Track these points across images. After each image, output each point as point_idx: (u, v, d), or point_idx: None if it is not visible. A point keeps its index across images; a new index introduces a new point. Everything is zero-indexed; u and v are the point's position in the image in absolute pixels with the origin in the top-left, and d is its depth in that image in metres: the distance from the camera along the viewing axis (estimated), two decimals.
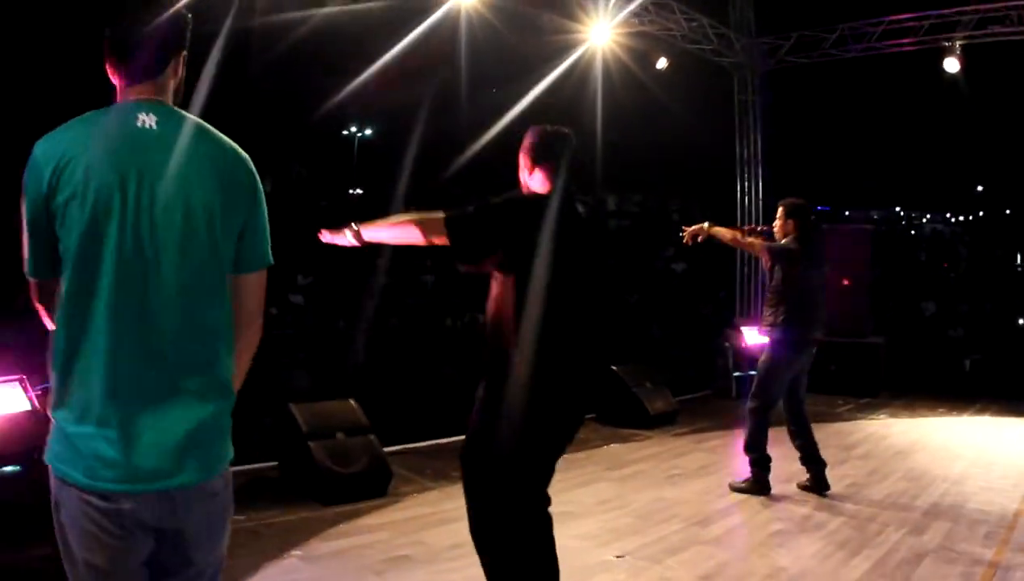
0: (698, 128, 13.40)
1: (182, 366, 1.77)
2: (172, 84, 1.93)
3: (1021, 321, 15.53)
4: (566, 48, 8.87)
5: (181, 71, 1.95)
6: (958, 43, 9.98)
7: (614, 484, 5.79)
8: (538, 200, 3.00)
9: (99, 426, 1.70)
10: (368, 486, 5.36)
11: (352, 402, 5.75)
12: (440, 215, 2.88)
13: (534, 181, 3.13)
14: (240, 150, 1.93)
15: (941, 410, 9.53)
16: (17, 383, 5.06)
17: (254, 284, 1.96)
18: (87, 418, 1.71)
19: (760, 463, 5.66)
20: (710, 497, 5.61)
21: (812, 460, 5.76)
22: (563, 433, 3.04)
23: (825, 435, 7.70)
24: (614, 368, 8.08)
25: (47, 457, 1.77)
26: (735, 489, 5.69)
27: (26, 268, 1.84)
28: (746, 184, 12.07)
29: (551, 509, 3.06)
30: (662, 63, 10.46)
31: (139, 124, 1.80)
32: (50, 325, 1.87)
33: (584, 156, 3.23)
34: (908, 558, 4.44)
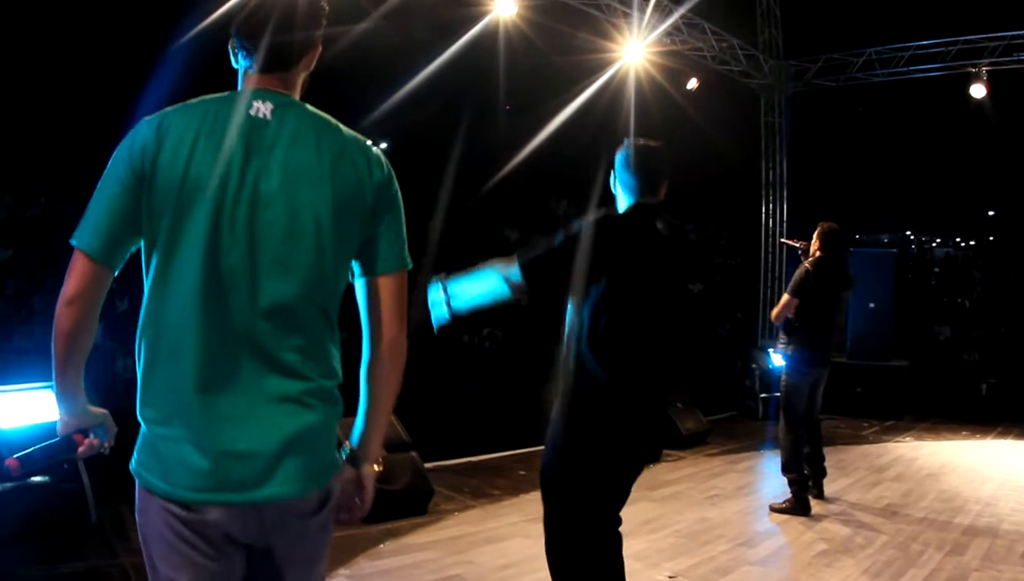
0: (722, 148, 13.43)
1: (277, 368, 1.62)
2: (300, 80, 1.78)
3: None
4: (600, 66, 8.94)
5: (312, 66, 1.80)
6: (984, 69, 10.04)
7: (655, 504, 5.77)
8: (612, 223, 2.89)
9: (185, 428, 1.59)
10: (410, 504, 5.32)
11: (393, 417, 5.72)
12: (514, 261, 2.78)
13: (617, 197, 3.09)
14: (371, 149, 1.76)
15: (964, 433, 9.53)
16: (50, 390, 5.00)
17: (388, 288, 1.78)
18: (173, 420, 1.60)
19: (799, 483, 5.68)
20: (752, 518, 5.61)
21: (814, 464, 5.99)
22: (636, 456, 3.00)
23: (854, 457, 7.75)
24: None
25: (132, 465, 1.66)
26: (776, 510, 5.68)
27: (79, 238, 1.63)
28: (771, 206, 12.09)
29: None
30: (693, 83, 10.55)
31: (253, 112, 1.65)
32: (58, 343, 1.66)
33: (670, 172, 3.08)
34: (953, 577, 4.46)
